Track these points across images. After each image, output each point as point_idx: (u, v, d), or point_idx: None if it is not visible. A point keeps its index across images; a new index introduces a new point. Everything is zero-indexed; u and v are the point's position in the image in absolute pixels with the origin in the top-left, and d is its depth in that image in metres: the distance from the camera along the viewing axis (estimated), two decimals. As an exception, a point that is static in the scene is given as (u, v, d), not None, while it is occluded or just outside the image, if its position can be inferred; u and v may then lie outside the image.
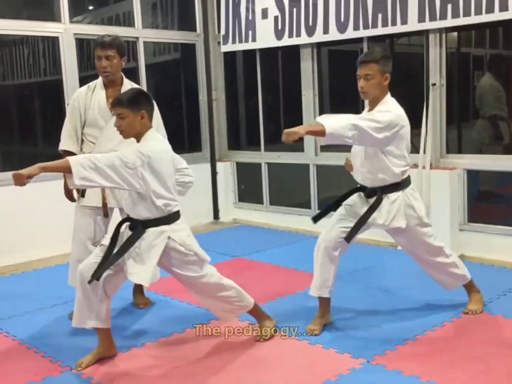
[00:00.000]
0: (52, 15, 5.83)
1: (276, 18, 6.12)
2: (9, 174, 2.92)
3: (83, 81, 5.41)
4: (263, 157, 6.75)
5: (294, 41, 6.03)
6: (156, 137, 3.17)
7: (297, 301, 4.04)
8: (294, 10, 5.95)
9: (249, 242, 5.99)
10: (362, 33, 5.46)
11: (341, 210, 3.59)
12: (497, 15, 4.58)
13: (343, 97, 6.32)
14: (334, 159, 5.56)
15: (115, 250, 3.08)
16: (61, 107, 5.71)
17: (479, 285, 3.85)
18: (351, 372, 3.03)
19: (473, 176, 5.20)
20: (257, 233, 6.42)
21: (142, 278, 3.07)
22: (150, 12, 6.65)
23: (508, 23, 4.64)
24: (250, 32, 6.38)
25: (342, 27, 5.57)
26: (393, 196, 3.46)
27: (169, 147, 3.25)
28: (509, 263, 4.77)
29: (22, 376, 3.13)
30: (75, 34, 5.83)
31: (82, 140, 3.87)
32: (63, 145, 3.89)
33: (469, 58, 5.83)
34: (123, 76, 3.90)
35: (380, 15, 5.28)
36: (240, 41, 6.50)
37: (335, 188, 6.04)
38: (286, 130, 3.14)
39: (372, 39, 5.55)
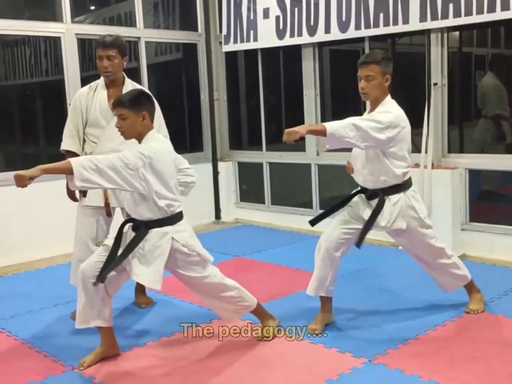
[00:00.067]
0: (54, 15, 5.83)
1: (277, 17, 6.12)
2: (11, 174, 2.92)
3: (84, 81, 5.41)
4: (264, 157, 6.74)
5: (296, 40, 6.03)
6: (158, 137, 3.17)
7: (299, 301, 4.03)
8: (296, 9, 5.94)
9: (251, 242, 5.98)
10: (364, 32, 5.46)
11: (343, 211, 3.58)
12: (498, 15, 4.58)
13: (344, 96, 6.33)
14: (336, 158, 5.55)
15: (120, 252, 3.09)
16: (63, 107, 5.70)
17: (481, 284, 3.85)
18: (352, 372, 3.03)
19: (475, 176, 5.19)
20: (259, 233, 6.42)
21: (151, 282, 3.08)
22: (151, 12, 6.65)
23: (510, 22, 4.63)
24: (251, 32, 6.37)
25: (343, 27, 5.57)
26: (394, 198, 3.46)
27: (171, 147, 3.25)
28: (511, 263, 4.77)
29: (24, 375, 3.13)
30: (76, 34, 5.84)
31: (84, 140, 3.87)
32: (65, 145, 3.89)
33: (471, 57, 5.83)
34: (125, 76, 3.90)
35: (381, 15, 5.28)
36: (242, 41, 6.50)
37: (337, 188, 6.05)
38: (287, 130, 3.15)
39: (373, 38, 5.55)
